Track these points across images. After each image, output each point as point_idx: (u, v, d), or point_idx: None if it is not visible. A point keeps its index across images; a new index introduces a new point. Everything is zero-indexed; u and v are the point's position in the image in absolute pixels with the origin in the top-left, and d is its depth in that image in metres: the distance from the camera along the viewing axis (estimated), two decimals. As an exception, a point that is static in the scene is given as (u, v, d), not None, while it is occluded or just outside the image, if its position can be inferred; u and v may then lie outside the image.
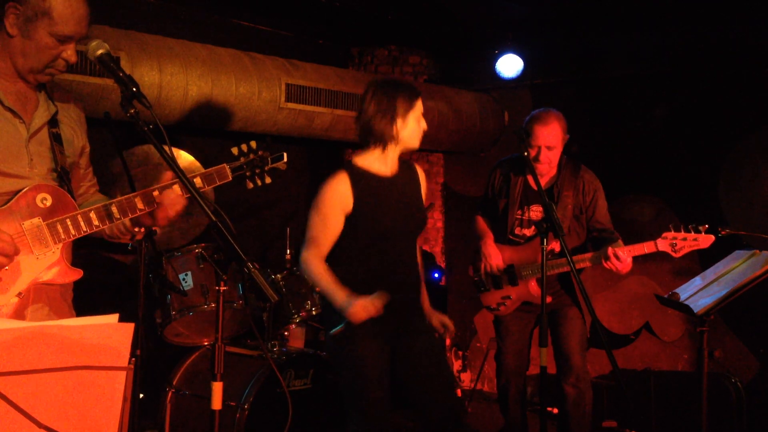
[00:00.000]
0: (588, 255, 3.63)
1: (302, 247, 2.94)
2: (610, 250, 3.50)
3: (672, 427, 4.49)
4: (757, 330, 4.80)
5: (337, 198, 2.88)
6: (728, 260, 3.28)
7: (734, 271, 3.16)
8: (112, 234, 2.37)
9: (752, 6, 4.56)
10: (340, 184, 2.89)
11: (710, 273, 3.29)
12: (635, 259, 3.56)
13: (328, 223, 2.89)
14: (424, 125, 2.98)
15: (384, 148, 2.94)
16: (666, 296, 3.27)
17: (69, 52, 2.15)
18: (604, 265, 3.54)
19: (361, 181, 2.91)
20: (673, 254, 3.57)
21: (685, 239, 3.55)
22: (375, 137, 2.94)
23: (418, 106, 2.95)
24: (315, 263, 2.89)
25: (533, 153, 3.68)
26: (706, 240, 3.56)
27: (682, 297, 3.22)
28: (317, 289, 2.90)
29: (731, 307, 3.15)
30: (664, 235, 3.56)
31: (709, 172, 3.51)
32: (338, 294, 2.82)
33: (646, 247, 3.56)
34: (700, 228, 3.55)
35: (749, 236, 4.16)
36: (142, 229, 2.39)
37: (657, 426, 4.55)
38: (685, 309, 3.20)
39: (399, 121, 2.90)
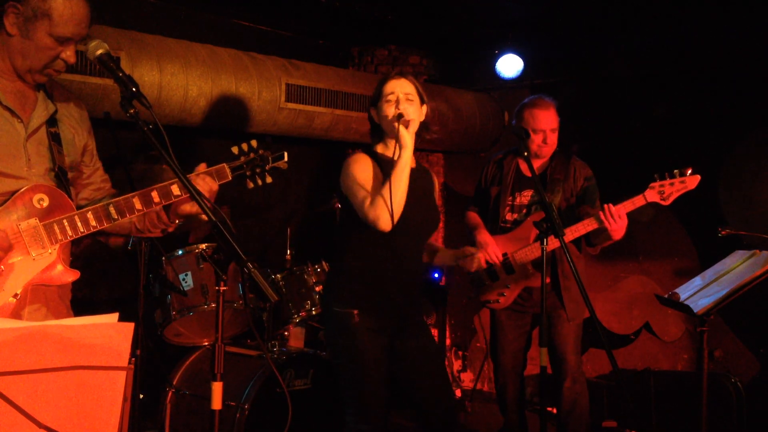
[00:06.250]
0: (577, 224, 3.58)
1: (367, 212, 2.77)
2: (606, 206, 3.47)
3: (672, 427, 4.49)
4: (757, 330, 4.80)
5: (367, 166, 2.90)
6: (728, 260, 3.29)
7: (734, 271, 3.16)
8: (143, 227, 2.38)
9: (752, 6, 4.56)
10: (364, 159, 2.93)
11: (710, 273, 3.29)
12: (635, 258, 3.56)
13: (370, 183, 2.87)
14: (402, 109, 2.86)
15: (385, 140, 3.00)
16: (666, 296, 3.27)
17: (68, 53, 2.14)
18: (601, 217, 3.49)
19: (383, 162, 2.93)
20: (663, 203, 3.54)
21: (672, 184, 3.52)
22: (372, 131, 3.03)
23: (388, 89, 2.93)
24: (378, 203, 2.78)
25: (539, 138, 3.75)
26: (692, 180, 3.52)
27: (682, 297, 3.22)
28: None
29: (731, 307, 3.15)
30: (651, 185, 3.54)
31: (709, 172, 3.52)
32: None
33: (635, 201, 3.53)
34: (685, 171, 3.52)
35: (749, 236, 4.16)
36: (176, 222, 2.38)
37: (657, 426, 4.55)
38: (685, 309, 3.20)
39: (376, 110, 2.97)
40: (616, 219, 3.46)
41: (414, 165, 3.00)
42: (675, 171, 3.52)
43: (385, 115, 2.91)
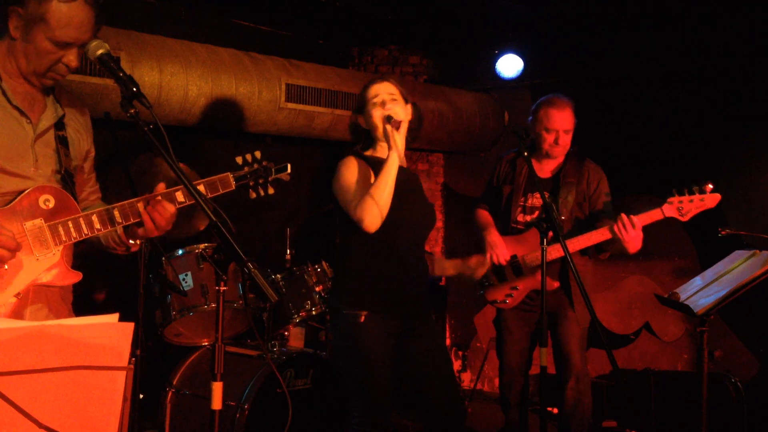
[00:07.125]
0: (592, 232, 3.54)
1: (353, 214, 2.80)
2: (622, 214, 3.42)
3: (672, 427, 4.49)
4: (757, 330, 4.80)
5: (356, 169, 2.91)
6: (728, 260, 3.28)
7: (734, 271, 3.16)
8: (107, 244, 2.36)
9: (752, 4, 4.56)
10: (353, 162, 2.93)
11: (710, 273, 3.29)
12: (635, 257, 3.54)
13: (359, 185, 2.87)
14: (389, 109, 2.90)
15: (375, 144, 3.01)
16: (666, 296, 3.27)
17: (70, 57, 2.14)
18: (614, 229, 3.44)
19: (374, 164, 2.94)
20: (681, 218, 3.48)
21: (691, 201, 3.45)
22: (362, 138, 3.05)
23: (372, 92, 2.96)
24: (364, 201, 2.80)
25: (551, 138, 3.70)
26: (712, 199, 3.47)
27: (682, 297, 3.21)
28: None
29: (731, 307, 3.15)
30: (669, 200, 3.47)
31: (709, 172, 3.52)
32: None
33: (652, 216, 3.47)
34: (705, 188, 3.45)
35: (749, 236, 4.15)
36: (137, 242, 2.37)
37: (657, 426, 4.54)
38: (685, 309, 3.20)
39: (363, 117, 2.99)
40: (629, 229, 3.40)
41: (404, 166, 3.01)
42: (694, 187, 3.46)
43: (373, 120, 2.93)
